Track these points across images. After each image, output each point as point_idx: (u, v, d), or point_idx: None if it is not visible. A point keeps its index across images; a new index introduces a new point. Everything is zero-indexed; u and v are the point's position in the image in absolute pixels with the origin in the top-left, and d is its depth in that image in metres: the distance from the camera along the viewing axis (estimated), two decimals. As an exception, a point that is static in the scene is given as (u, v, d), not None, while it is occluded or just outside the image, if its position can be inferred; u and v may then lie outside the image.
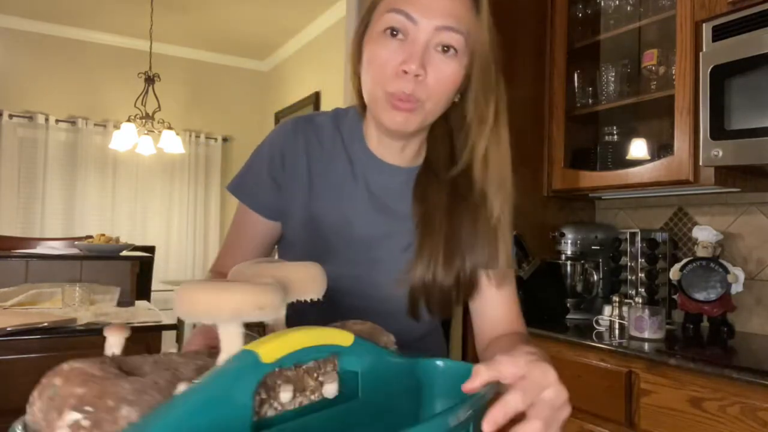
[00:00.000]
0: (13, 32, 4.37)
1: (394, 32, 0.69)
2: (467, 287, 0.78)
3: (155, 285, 3.73)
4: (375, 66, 0.71)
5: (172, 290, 4.37)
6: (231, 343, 0.40)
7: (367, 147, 0.82)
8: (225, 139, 5.17)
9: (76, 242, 2.48)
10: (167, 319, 1.87)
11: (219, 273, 0.84)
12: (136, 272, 2.32)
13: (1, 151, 4.30)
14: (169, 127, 4.06)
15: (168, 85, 4.45)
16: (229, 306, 0.39)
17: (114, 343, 0.43)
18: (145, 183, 4.84)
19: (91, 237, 2.43)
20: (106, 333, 0.41)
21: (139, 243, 3.86)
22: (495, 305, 0.82)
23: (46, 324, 1.61)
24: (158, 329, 1.78)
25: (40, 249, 2.39)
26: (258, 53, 5.12)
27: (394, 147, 0.81)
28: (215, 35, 4.68)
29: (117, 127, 4.36)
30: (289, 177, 0.82)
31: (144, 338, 1.72)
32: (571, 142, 2.20)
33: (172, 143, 4.03)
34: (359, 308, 0.72)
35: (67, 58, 4.56)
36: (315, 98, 4.32)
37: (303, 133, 0.83)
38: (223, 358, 0.40)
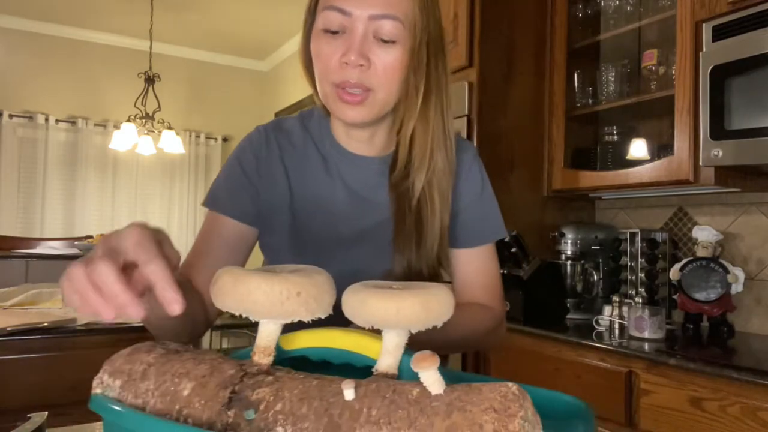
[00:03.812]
0: (13, 32, 4.37)
1: (332, 29, 0.71)
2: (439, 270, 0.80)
3: (155, 285, 3.73)
4: (320, 63, 0.73)
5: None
6: (396, 346, 0.42)
7: (337, 142, 0.83)
8: (225, 139, 5.17)
9: (76, 242, 2.48)
10: (167, 319, 1.87)
11: (185, 281, 0.75)
12: (136, 272, 2.31)
13: (1, 151, 4.30)
14: (169, 127, 4.06)
15: (168, 85, 4.45)
16: (403, 314, 0.41)
17: None
18: (145, 183, 4.84)
19: (91, 237, 2.43)
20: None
21: (139, 243, 3.85)
22: (463, 282, 0.84)
23: (46, 324, 1.61)
24: (158, 329, 1.77)
25: (40, 249, 2.39)
26: (258, 53, 5.12)
27: (363, 137, 0.81)
28: (215, 35, 4.68)
29: (117, 127, 4.36)
30: (267, 183, 0.82)
31: (144, 338, 1.71)
32: (571, 142, 2.21)
33: (172, 143, 4.03)
34: None
35: (67, 58, 4.56)
36: (315, 98, 4.32)
37: (275, 139, 0.84)
38: (388, 361, 0.42)
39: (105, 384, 0.43)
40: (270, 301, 0.40)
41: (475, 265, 0.85)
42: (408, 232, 0.77)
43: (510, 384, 0.37)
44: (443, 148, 0.78)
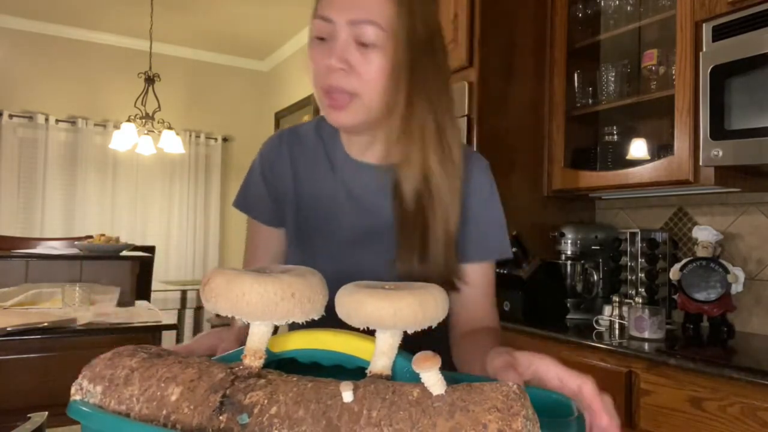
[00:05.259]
0: (13, 32, 4.37)
1: (321, 37, 0.74)
2: (448, 282, 0.78)
3: (155, 285, 3.73)
4: (311, 69, 0.76)
5: (172, 290, 4.37)
6: (391, 347, 0.42)
7: (344, 149, 0.85)
8: (225, 139, 5.17)
9: (76, 242, 2.48)
10: (167, 319, 1.87)
11: None
12: (136, 272, 2.32)
13: (1, 151, 4.30)
14: (169, 127, 4.06)
15: (168, 85, 4.45)
16: (400, 315, 0.40)
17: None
18: (145, 183, 4.84)
19: (91, 237, 2.43)
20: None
21: (139, 243, 3.86)
22: (467, 300, 0.82)
23: (46, 324, 1.61)
24: (158, 329, 1.78)
25: (40, 249, 2.39)
26: (258, 53, 5.12)
27: (362, 144, 0.83)
28: (215, 35, 4.68)
29: (117, 127, 4.36)
30: (280, 185, 0.88)
31: (144, 338, 1.72)
32: (571, 142, 2.21)
33: (172, 143, 4.03)
34: None
35: (67, 58, 4.56)
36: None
37: (288, 144, 0.88)
38: (383, 362, 0.41)
39: (85, 390, 0.41)
40: (264, 302, 0.40)
41: (477, 280, 0.83)
42: (410, 242, 0.76)
43: (510, 383, 0.37)
44: (438, 151, 0.76)
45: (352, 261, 0.82)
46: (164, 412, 0.39)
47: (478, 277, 0.83)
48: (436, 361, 0.37)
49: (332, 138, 0.87)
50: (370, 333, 0.46)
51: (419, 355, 0.37)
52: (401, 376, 0.44)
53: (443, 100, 0.77)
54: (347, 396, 0.37)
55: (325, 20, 0.72)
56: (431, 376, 0.37)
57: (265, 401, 0.38)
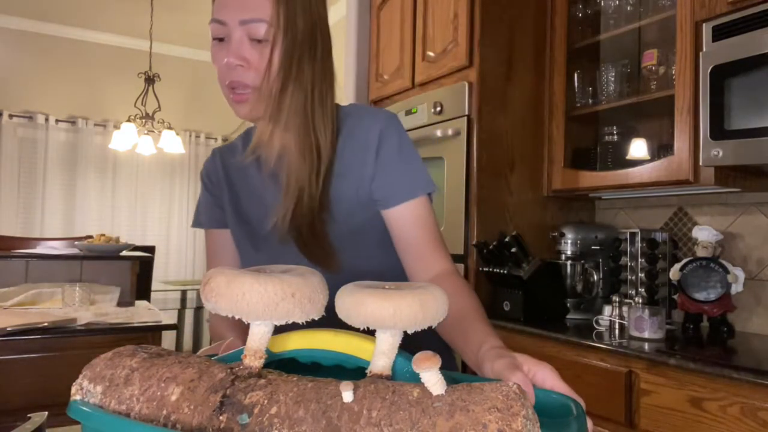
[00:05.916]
0: (13, 32, 4.37)
1: (219, 38, 0.81)
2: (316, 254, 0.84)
3: (155, 285, 3.73)
4: (216, 67, 0.83)
5: (172, 290, 4.37)
6: (391, 347, 0.42)
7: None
8: (225, 140, 5.17)
9: (76, 242, 2.48)
10: (167, 319, 1.87)
11: None
12: (136, 272, 2.32)
13: (1, 151, 4.30)
14: (169, 127, 4.06)
15: (168, 85, 4.45)
16: (400, 314, 0.41)
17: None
18: (145, 183, 4.84)
19: (91, 237, 2.43)
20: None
21: (139, 243, 3.86)
22: (407, 246, 0.86)
23: (46, 324, 1.61)
24: (158, 329, 1.78)
25: (40, 249, 2.39)
26: (258, 53, 5.12)
27: (265, 134, 0.89)
28: (215, 35, 4.68)
29: (117, 127, 4.36)
30: (218, 191, 0.98)
31: (144, 338, 1.72)
32: (571, 142, 2.21)
33: (172, 143, 4.03)
34: None
35: (67, 58, 4.56)
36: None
37: (219, 155, 1.00)
38: (383, 362, 0.42)
39: (85, 390, 0.41)
40: (264, 302, 0.40)
41: (409, 220, 0.86)
42: (271, 202, 0.86)
43: (510, 383, 0.37)
44: (301, 132, 0.84)
45: (289, 249, 0.85)
46: (164, 412, 0.39)
47: (405, 216, 0.86)
48: (436, 361, 0.37)
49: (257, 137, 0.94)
50: (370, 333, 0.45)
51: (419, 355, 0.37)
52: (401, 376, 0.44)
53: (317, 85, 0.84)
54: (347, 396, 0.37)
55: (219, 23, 0.80)
56: (431, 376, 0.37)
57: (265, 401, 0.38)
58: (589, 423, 0.47)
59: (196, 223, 1.02)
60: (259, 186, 0.92)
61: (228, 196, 0.96)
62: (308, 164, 0.84)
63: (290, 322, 0.42)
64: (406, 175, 0.87)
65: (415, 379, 0.41)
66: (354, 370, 0.46)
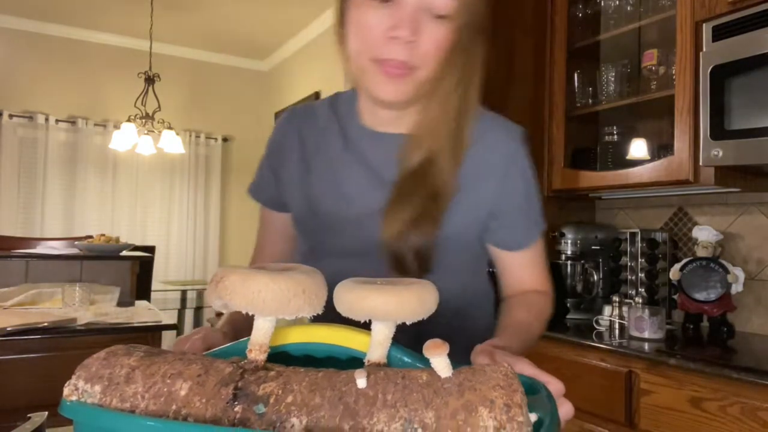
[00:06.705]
0: (13, 32, 4.36)
1: None
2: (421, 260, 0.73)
3: (155, 285, 3.73)
4: (361, 33, 0.66)
5: (172, 290, 4.37)
6: (386, 338, 0.45)
7: (361, 122, 0.80)
8: (225, 139, 5.17)
9: (76, 242, 2.48)
10: (167, 319, 1.87)
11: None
12: (136, 272, 2.32)
13: (1, 151, 4.30)
14: (169, 127, 4.06)
15: (168, 85, 4.45)
16: (402, 307, 0.44)
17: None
18: (145, 183, 4.84)
19: (91, 237, 2.43)
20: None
21: (139, 243, 3.86)
22: (511, 268, 0.82)
23: (46, 324, 1.61)
24: (158, 329, 1.78)
25: (40, 249, 2.39)
26: (258, 53, 5.12)
27: (391, 117, 0.77)
28: (215, 35, 4.68)
29: (117, 127, 4.36)
30: (285, 165, 0.84)
31: (144, 338, 1.72)
32: (571, 142, 2.20)
33: (172, 143, 4.03)
34: None
35: (67, 58, 4.56)
36: (315, 98, 4.32)
37: (297, 120, 0.84)
38: (379, 352, 0.44)
39: (81, 390, 0.41)
40: (278, 299, 0.42)
41: (523, 263, 0.81)
42: (400, 206, 0.72)
43: (505, 365, 0.42)
44: (453, 128, 0.73)
45: (365, 234, 0.75)
46: (174, 407, 0.39)
47: (514, 263, 0.81)
48: (445, 348, 0.40)
49: (349, 110, 0.81)
50: (360, 326, 0.48)
51: (429, 342, 0.41)
52: (395, 364, 0.47)
53: (472, 81, 0.74)
54: (361, 382, 0.39)
55: None
56: (441, 361, 0.40)
57: (280, 391, 0.39)
58: (569, 406, 0.50)
59: (255, 194, 0.89)
60: (340, 166, 0.79)
61: (296, 169, 0.82)
62: (453, 169, 0.73)
63: (300, 316, 0.44)
64: (529, 217, 0.80)
65: (409, 367, 0.45)
66: (347, 361, 0.48)
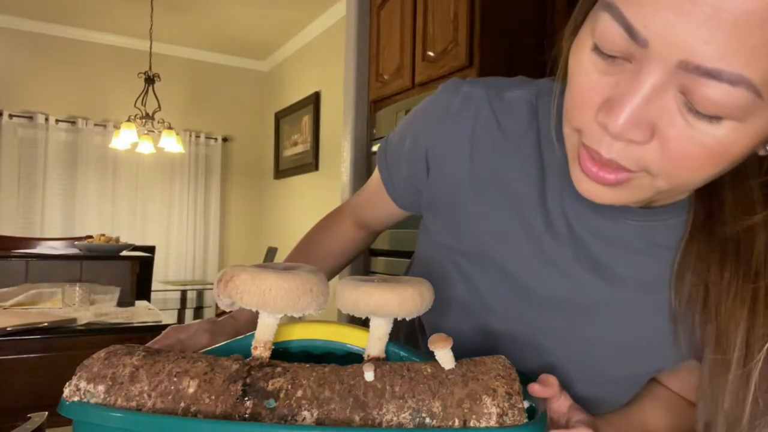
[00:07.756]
0: (13, 32, 4.37)
1: (608, 51, 0.38)
2: None
3: (155, 285, 3.73)
4: (571, 93, 0.43)
5: (172, 290, 4.38)
6: (384, 333, 0.47)
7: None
8: (225, 139, 5.17)
9: (76, 242, 2.49)
10: (167, 319, 1.87)
11: (351, 217, 0.80)
12: (136, 272, 2.32)
13: (1, 151, 4.30)
14: (169, 127, 4.06)
15: (168, 85, 4.45)
16: (405, 303, 0.45)
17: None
18: (145, 183, 4.84)
19: (91, 237, 2.43)
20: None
21: (139, 243, 3.86)
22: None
23: (46, 324, 1.61)
24: (158, 329, 1.78)
25: (40, 249, 2.39)
26: (258, 53, 5.13)
27: None
28: (215, 35, 4.68)
29: (117, 127, 4.36)
30: (436, 177, 0.61)
31: (144, 338, 1.72)
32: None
33: (172, 143, 4.03)
34: None
35: (67, 58, 4.57)
36: (315, 98, 4.32)
37: (475, 114, 0.57)
38: (378, 347, 0.46)
39: (83, 391, 0.41)
40: (288, 297, 0.43)
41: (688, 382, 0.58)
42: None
43: (501, 356, 0.45)
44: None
45: (544, 328, 0.57)
46: (182, 404, 0.40)
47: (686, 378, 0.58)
48: (450, 341, 0.43)
49: (556, 130, 0.52)
50: (356, 323, 0.51)
51: (434, 336, 0.43)
52: (392, 359, 0.48)
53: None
54: (369, 375, 0.41)
55: (628, 32, 0.36)
56: (445, 354, 0.43)
57: (289, 386, 0.40)
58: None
59: (382, 168, 0.68)
60: (532, 222, 0.56)
61: (456, 174, 0.59)
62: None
63: (306, 314, 0.45)
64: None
65: (407, 361, 0.47)
66: (344, 356, 0.49)
